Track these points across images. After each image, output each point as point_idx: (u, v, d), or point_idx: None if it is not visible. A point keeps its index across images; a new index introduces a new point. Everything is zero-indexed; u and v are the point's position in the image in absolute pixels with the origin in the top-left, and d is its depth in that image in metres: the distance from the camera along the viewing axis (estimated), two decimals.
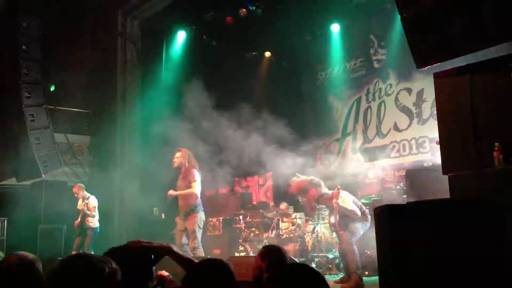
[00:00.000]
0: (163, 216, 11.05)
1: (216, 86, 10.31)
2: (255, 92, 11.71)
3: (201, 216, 7.03)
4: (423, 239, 2.81)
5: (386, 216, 2.92)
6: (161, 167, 10.09)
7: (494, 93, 3.90)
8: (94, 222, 8.42)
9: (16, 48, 9.30)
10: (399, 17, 4.14)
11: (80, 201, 8.50)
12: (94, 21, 9.30)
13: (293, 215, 9.28)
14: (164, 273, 3.06)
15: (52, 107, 9.98)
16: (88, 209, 8.43)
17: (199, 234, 6.91)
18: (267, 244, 8.56)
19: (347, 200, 6.73)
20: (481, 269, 2.70)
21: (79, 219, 8.38)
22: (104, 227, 8.87)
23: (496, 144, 3.73)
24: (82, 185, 8.75)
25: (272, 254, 3.40)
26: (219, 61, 10.76)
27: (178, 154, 7.06)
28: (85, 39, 9.21)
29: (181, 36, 10.86)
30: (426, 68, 4.13)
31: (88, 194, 8.64)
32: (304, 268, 1.77)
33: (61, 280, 1.61)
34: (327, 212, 8.92)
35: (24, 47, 9.16)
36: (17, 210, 8.21)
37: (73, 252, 6.60)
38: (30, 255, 2.43)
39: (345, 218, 6.68)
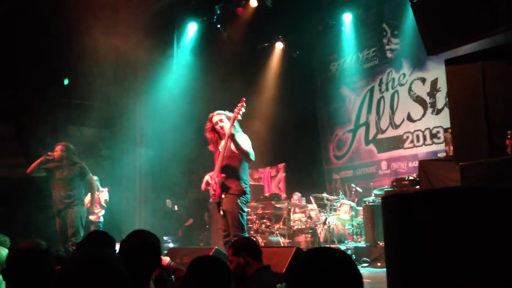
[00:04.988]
0: (176, 208, 11.12)
1: (227, 77, 10.28)
2: (267, 83, 11.66)
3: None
4: (432, 229, 2.74)
5: (393, 206, 2.85)
6: (173, 158, 10.13)
7: (507, 79, 3.80)
8: (99, 215, 8.45)
9: (29, 42, 9.38)
10: None
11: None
12: (104, 13, 9.29)
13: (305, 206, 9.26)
14: (165, 259, 3.01)
15: (66, 100, 10.06)
16: (100, 202, 8.46)
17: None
18: (278, 234, 8.56)
19: (245, 140, 5.22)
20: (493, 258, 2.63)
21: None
22: (117, 220, 8.93)
23: (509, 132, 3.65)
24: (96, 177, 8.78)
25: (247, 246, 3.25)
26: (231, 52, 10.71)
27: (58, 148, 6.76)
28: (96, 32, 9.21)
29: (192, 28, 10.84)
30: (437, 54, 4.06)
31: (101, 188, 8.67)
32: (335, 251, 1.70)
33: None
34: (339, 203, 8.89)
35: (37, 41, 9.25)
36: (32, 200, 8.30)
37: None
38: (44, 243, 2.44)
39: (230, 164, 5.15)
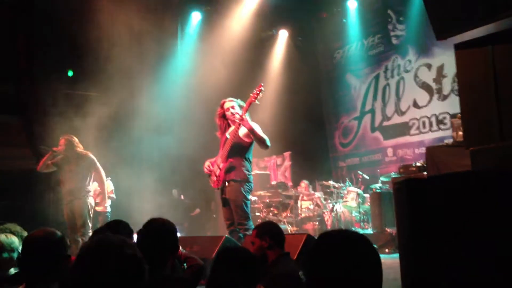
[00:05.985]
0: (182, 197, 11.14)
1: (232, 66, 10.23)
2: (272, 71, 11.61)
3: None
4: (445, 213, 2.73)
5: (405, 191, 2.84)
6: (180, 147, 10.12)
7: None
8: (107, 206, 8.50)
9: (32, 33, 9.37)
10: None
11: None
12: (108, 3, 9.25)
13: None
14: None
15: (71, 91, 10.05)
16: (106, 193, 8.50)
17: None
18: (285, 223, 8.57)
19: (258, 127, 5.07)
20: (506, 242, 2.62)
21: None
22: (124, 210, 8.95)
23: None
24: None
25: (271, 230, 3.24)
26: (235, 40, 10.65)
27: (61, 142, 6.70)
28: (100, 22, 9.18)
29: (195, 17, 10.80)
30: (446, 39, 4.01)
31: (105, 178, 8.71)
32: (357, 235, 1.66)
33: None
34: (345, 191, 8.89)
35: (41, 31, 9.24)
36: (39, 192, 8.34)
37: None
38: (58, 232, 2.45)
39: (237, 149, 5.09)
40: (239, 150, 5.08)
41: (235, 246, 2.35)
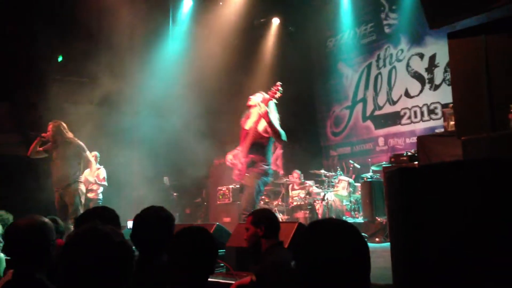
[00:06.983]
0: None
1: (224, 54, 10.16)
2: (264, 59, 11.55)
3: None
4: (437, 203, 2.73)
5: (397, 180, 2.83)
6: (170, 135, 10.08)
7: (510, 53, 3.76)
8: (98, 193, 8.47)
9: (22, 17, 9.26)
10: None
11: (89, 170, 8.52)
12: None
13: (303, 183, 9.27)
14: None
15: (60, 77, 9.95)
16: (98, 180, 8.47)
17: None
18: (276, 211, 8.58)
19: (275, 118, 5.20)
20: (502, 232, 2.62)
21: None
22: (112, 198, 8.93)
23: (511, 105, 3.62)
24: (98, 154, 8.79)
25: (268, 219, 3.21)
26: (227, 28, 10.57)
27: (49, 127, 6.69)
28: (89, 7, 9.07)
29: (187, 4, 10.70)
30: (439, 28, 4.00)
31: (98, 165, 8.68)
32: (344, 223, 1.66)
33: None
34: (337, 180, 8.92)
35: (30, 16, 9.13)
36: (28, 179, 8.28)
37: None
38: (41, 218, 2.42)
39: (257, 146, 5.26)
40: (259, 145, 5.25)
41: (195, 227, 2.30)
